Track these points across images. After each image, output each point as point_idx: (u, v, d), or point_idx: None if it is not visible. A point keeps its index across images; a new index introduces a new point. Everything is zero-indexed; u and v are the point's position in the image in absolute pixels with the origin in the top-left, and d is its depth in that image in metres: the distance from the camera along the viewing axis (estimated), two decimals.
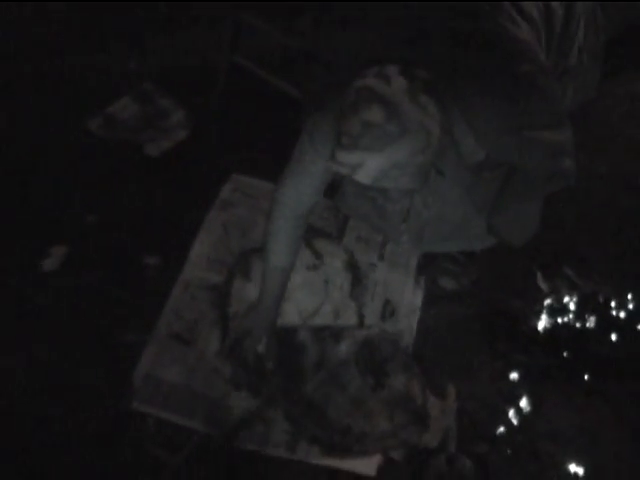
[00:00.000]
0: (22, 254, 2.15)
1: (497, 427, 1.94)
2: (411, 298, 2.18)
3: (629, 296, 2.23)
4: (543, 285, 2.22)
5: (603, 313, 2.17)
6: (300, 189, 1.85)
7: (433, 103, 1.43)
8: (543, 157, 1.61)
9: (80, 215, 2.26)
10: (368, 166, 1.42)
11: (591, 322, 2.15)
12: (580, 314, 2.16)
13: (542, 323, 2.14)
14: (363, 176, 1.45)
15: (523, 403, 1.98)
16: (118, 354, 1.97)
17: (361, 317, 2.11)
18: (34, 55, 2.71)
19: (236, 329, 2.02)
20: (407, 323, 2.12)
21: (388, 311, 2.14)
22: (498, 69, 1.52)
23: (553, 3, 1.70)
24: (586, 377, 2.05)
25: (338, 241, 2.30)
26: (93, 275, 2.13)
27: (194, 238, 2.23)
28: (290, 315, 2.09)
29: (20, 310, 2.04)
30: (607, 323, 2.15)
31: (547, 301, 2.19)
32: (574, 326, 2.14)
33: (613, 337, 2.12)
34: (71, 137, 2.47)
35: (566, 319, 2.15)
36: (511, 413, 1.96)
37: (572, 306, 2.18)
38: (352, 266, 2.22)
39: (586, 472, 1.89)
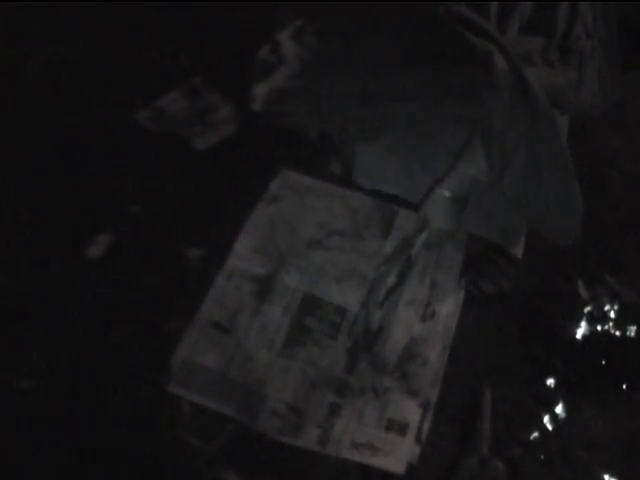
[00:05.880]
0: (67, 241, 2.20)
1: (531, 432, 1.93)
2: (452, 300, 2.17)
3: None
4: (584, 292, 2.20)
5: None
6: None
7: (317, 40, 1.67)
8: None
9: (125, 205, 2.31)
10: (257, 94, 1.69)
11: (631, 331, 2.12)
12: (620, 323, 2.14)
13: (581, 330, 2.12)
14: (256, 105, 1.71)
15: (558, 409, 1.97)
16: (160, 341, 2.01)
17: None
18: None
19: None
20: (446, 324, 2.11)
21: (428, 313, 2.13)
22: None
23: None
24: (624, 387, 2.03)
25: (382, 242, 2.26)
26: (136, 263, 2.17)
27: (239, 231, 2.25)
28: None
29: (63, 295, 2.09)
30: None
31: (587, 309, 2.17)
32: (613, 335, 2.12)
33: None
34: (120, 128, 2.51)
35: (606, 327, 2.13)
36: (546, 418, 1.95)
37: (612, 315, 2.15)
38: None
39: None
